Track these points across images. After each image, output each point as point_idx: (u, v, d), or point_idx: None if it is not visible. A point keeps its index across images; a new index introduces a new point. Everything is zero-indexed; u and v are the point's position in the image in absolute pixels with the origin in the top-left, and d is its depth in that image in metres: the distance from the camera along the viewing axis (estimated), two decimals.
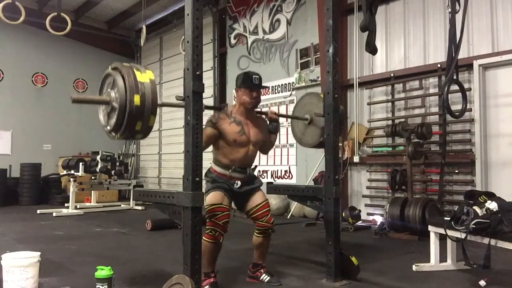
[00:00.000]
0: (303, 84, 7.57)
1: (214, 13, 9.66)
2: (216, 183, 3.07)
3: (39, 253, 2.98)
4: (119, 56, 12.17)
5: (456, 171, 5.75)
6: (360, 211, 6.00)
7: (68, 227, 6.35)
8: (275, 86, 8.22)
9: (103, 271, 2.79)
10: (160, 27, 11.24)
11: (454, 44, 3.79)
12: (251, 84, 3.10)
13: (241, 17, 9.04)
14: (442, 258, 3.66)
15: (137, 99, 2.32)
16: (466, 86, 4.99)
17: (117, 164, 8.87)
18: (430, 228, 3.63)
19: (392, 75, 6.48)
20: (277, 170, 8.05)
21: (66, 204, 8.38)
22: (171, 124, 10.68)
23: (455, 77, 3.98)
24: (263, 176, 8.22)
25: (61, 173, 9.21)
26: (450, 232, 3.26)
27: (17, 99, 10.47)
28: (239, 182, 3.10)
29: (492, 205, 3.08)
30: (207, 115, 2.85)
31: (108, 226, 6.41)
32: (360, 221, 5.99)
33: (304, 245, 4.96)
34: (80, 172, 8.34)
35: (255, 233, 3.19)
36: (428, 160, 5.97)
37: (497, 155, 5.43)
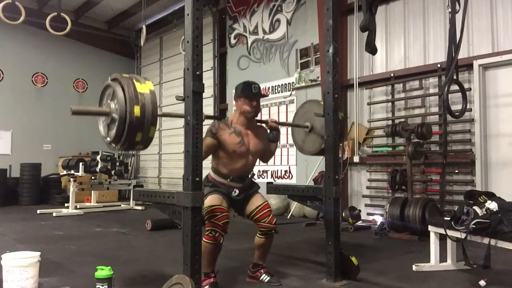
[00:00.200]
0: (303, 84, 7.57)
1: (214, 13, 9.66)
2: (215, 187, 3.10)
3: (39, 253, 2.98)
4: (119, 56, 12.19)
5: (456, 171, 5.75)
6: (360, 211, 6.00)
7: (68, 227, 6.35)
8: (275, 86, 8.22)
9: (103, 271, 2.80)
10: (160, 27, 11.24)
11: (454, 44, 3.78)
12: (250, 93, 3.10)
13: (241, 17, 9.04)
14: (442, 258, 3.66)
15: (137, 110, 2.32)
16: (466, 86, 4.99)
17: (117, 164, 8.86)
18: (430, 228, 3.63)
19: (392, 75, 6.48)
20: (277, 170, 8.05)
21: (66, 204, 8.39)
22: (171, 124, 10.67)
23: (455, 77, 3.97)
24: (263, 176, 8.22)
25: (61, 173, 9.22)
26: (450, 232, 3.26)
27: (17, 99, 10.47)
28: (237, 190, 3.12)
29: (492, 205, 3.08)
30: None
31: (108, 226, 6.41)
32: (360, 221, 5.99)
33: (304, 245, 4.97)
34: (80, 172, 8.34)
35: (258, 234, 3.19)
36: (428, 160, 5.97)
37: (497, 155, 5.43)
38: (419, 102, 6.24)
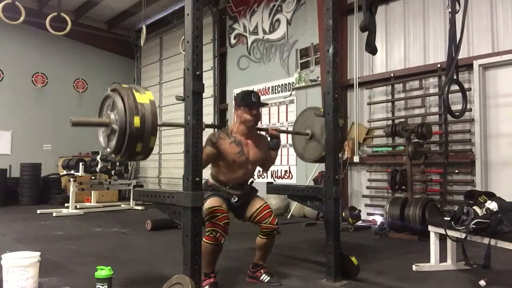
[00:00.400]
0: (303, 84, 7.57)
1: (214, 13, 9.66)
2: (215, 191, 3.11)
3: (39, 253, 2.98)
4: (119, 56, 12.19)
5: (456, 171, 5.75)
6: (360, 211, 6.00)
7: (68, 227, 6.35)
8: (275, 86, 8.22)
9: (103, 271, 2.80)
10: (160, 27, 11.24)
11: (454, 44, 3.78)
12: (250, 102, 3.10)
13: (241, 17, 9.04)
14: (442, 258, 3.66)
15: (137, 120, 2.32)
16: (466, 86, 4.99)
17: (117, 164, 8.85)
18: (430, 228, 3.63)
19: (392, 75, 6.48)
20: (277, 170, 8.04)
21: (66, 204, 8.38)
22: None
23: (455, 77, 3.97)
24: (263, 177, 8.21)
25: (61, 173, 9.21)
26: (450, 232, 3.26)
27: (17, 99, 10.48)
28: (236, 197, 3.14)
29: (492, 205, 3.08)
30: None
31: (108, 226, 6.41)
32: (360, 221, 5.99)
33: (304, 245, 4.96)
34: (80, 172, 8.34)
35: (260, 235, 3.19)
36: (428, 160, 5.97)
37: (497, 155, 5.43)
38: (419, 102, 6.24)
